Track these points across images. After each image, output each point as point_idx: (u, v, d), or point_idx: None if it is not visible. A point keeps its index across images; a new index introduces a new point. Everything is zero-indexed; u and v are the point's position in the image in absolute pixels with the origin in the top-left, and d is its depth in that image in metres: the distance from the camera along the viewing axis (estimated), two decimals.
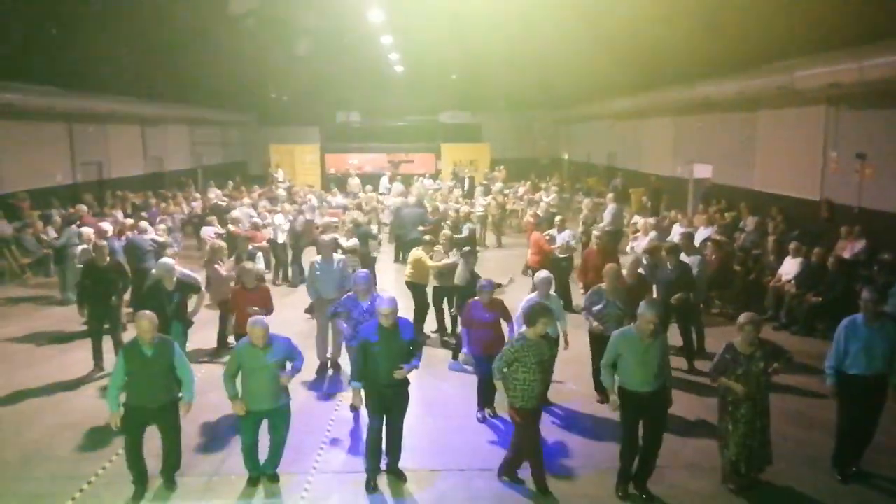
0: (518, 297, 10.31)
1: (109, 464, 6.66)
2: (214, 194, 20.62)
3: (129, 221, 14.09)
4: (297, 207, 17.13)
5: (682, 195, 19.73)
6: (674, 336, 8.57)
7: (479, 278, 8.68)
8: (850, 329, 6.27)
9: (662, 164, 21.59)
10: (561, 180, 27.22)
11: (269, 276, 13.41)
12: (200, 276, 9.89)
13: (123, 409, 5.91)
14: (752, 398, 5.89)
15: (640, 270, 9.28)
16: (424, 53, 22.08)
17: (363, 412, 6.68)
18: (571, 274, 11.97)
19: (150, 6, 13.38)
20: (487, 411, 7.72)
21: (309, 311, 10.69)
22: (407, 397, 6.35)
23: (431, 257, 10.48)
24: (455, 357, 9.05)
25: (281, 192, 21.29)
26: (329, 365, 9.17)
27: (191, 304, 8.52)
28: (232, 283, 9.96)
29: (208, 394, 8.08)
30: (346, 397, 8.20)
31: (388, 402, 6.22)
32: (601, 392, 7.73)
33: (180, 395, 6.14)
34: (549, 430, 7.29)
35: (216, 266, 9.94)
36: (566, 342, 7.65)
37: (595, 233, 10.82)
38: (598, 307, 7.68)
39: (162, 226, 12.88)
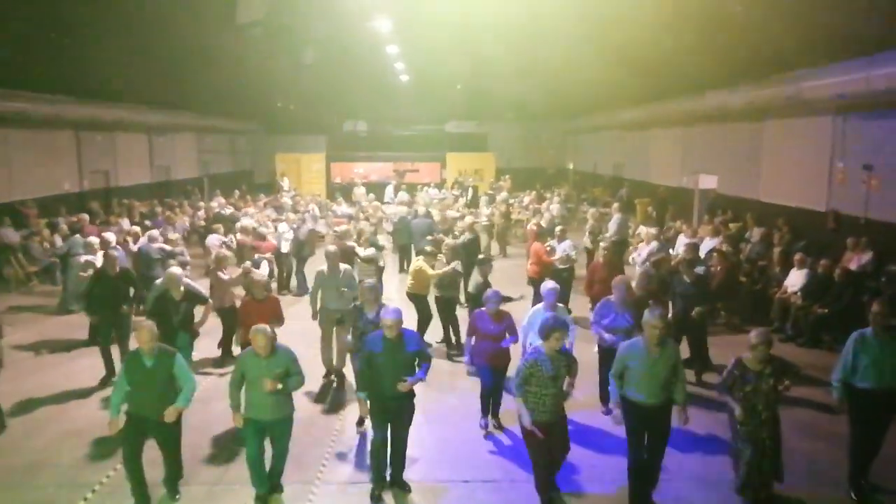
0: (524, 307, 10.37)
1: (114, 472, 6.66)
2: (217, 203, 20.69)
3: (136, 229, 14.15)
4: (301, 216, 17.16)
5: (687, 206, 19.70)
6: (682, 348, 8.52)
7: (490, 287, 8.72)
8: (860, 343, 6.15)
9: (668, 175, 21.57)
10: (568, 190, 27.22)
11: (273, 286, 13.41)
12: (204, 285, 9.91)
13: (125, 417, 5.90)
14: (760, 415, 5.77)
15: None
16: (431, 63, 22.11)
17: (368, 423, 6.65)
18: (572, 284, 11.95)
19: (158, 16, 13.44)
20: (492, 421, 7.68)
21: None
22: (412, 410, 6.29)
23: (433, 267, 10.47)
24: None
25: (286, 200, 21.37)
26: (333, 375, 9.14)
27: (197, 314, 8.47)
28: (234, 291, 9.98)
29: (212, 403, 8.10)
30: (350, 408, 8.20)
31: (393, 415, 6.16)
32: (607, 403, 7.67)
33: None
34: None
35: (219, 274, 9.95)
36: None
37: (602, 244, 10.73)
38: (607, 320, 7.57)
39: (174, 235, 12.94)
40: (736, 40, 12.58)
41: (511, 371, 7.79)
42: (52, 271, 14.65)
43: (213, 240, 13.04)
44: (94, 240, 11.70)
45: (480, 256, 10.15)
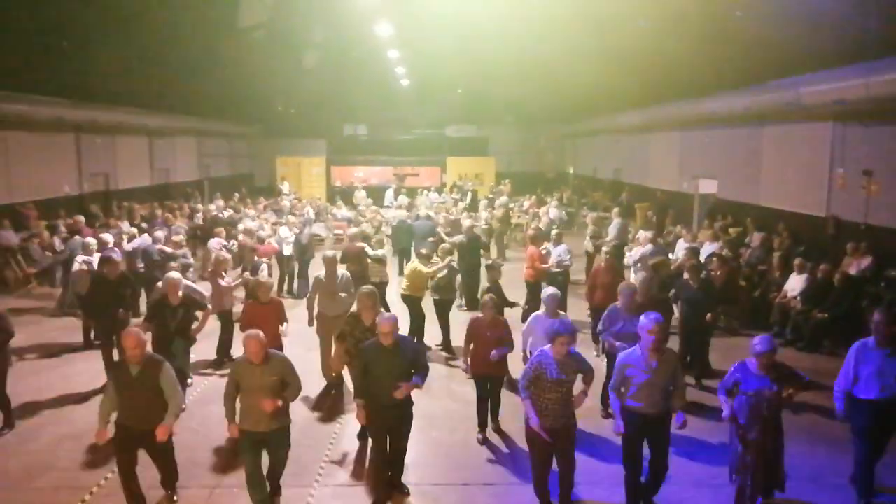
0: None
1: (112, 475, 6.62)
2: (215, 206, 20.69)
3: (133, 230, 14.14)
4: (302, 220, 17.16)
5: (687, 210, 19.71)
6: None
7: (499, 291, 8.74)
8: (861, 352, 5.99)
9: (668, 179, 21.59)
10: (570, 195, 27.24)
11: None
12: (206, 287, 9.91)
13: (114, 427, 5.74)
14: (762, 421, 5.61)
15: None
16: (431, 67, 22.18)
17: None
18: (567, 289, 11.92)
19: (159, 19, 13.48)
20: (491, 425, 7.63)
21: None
22: (410, 418, 6.18)
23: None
24: None
25: (286, 203, 21.36)
26: (333, 381, 9.00)
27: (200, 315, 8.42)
28: (234, 294, 9.95)
29: (210, 405, 8.07)
30: (349, 410, 8.17)
31: (390, 423, 6.07)
32: (608, 408, 7.57)
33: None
34: None
35: (217, 279, 9.93)
36: None
37: (604, 249, 10.68)
38: (616, 327, 7.39)
39: (178, 237, 12.96)
40: (735, 45, 12.62)
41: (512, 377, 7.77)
42: (52, 273, 14.63)
43: (213, 243, 13.03)
44: (92, 241, 11.68)
45: (490, 261, 10.08)
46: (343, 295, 8.80)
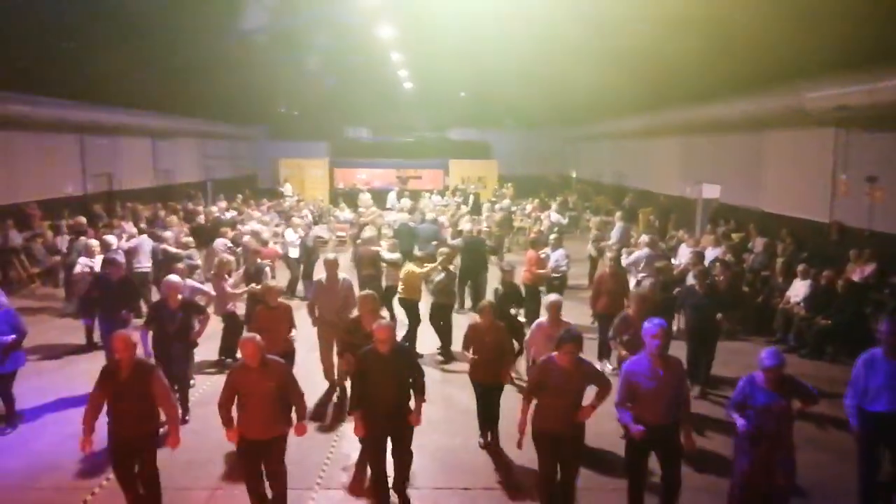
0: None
1: (113, 475, 6.63)
2: (217, 208, 20.70)
3: (134, 231, 14.18)
4: (307, 222, 17.17)
5: (690, 215, 19.70)
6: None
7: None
8: (869, 364, 5.81)
9: (671, 184, 21.58)
10: (576, 199, 27.22)
11: None
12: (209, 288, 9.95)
13: (108, 435, 5.64)
14: (772, 436, 5.43)
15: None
16: (434, 70, 22.18)
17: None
18: (563, 293, 11.91)
19: (163, 21, 13.49)
20: (490, 439, 7.41)
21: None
22: (411, 428, 6.01)
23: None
24: None
25: (288, 205, 21.39)
26: (335, 388, 8.90)
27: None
28: (237, 293, 9.95)
29: (212, 406, 7.97)
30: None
31: (389, 433, 5.91)
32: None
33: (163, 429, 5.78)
34: None
35: (220, 281, 9.94)
36: None
37: (609, 255, 10.54)
38: (627, 335, 7.29)
39: (187, 237, 12.99)
40: (738, 50, 12.61)
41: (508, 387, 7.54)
42: (55, 273, 14.65)
43: (218, 244, 13.06)
44: (94, 242, 11.69)
45: (506, 266, 9.92)
46: (345, 298, 8.66)
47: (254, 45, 16.16)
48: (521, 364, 8.86)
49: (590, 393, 5.76)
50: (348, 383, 8.16)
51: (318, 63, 19.59)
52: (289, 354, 7.56)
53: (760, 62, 12.88)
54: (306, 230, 15.26)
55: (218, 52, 16.55)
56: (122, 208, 19.73)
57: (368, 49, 18.14)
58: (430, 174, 32.02)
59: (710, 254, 12.84)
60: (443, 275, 10.56)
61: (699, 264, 10.36)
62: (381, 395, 5.79)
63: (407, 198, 23.34)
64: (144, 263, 12.44)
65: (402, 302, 10.50)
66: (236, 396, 5.63)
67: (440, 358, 10.32)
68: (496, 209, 20.19)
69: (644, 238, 13.16)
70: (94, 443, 5.61)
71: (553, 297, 7.68)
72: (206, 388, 8.97)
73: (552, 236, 13.01)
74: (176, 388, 7.66)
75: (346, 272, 9.47)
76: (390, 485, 6.15)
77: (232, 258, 10.78)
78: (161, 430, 5.96)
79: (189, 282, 9.59)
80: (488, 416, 7.36)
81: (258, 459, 5.71)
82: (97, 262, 10.86)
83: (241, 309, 10.17)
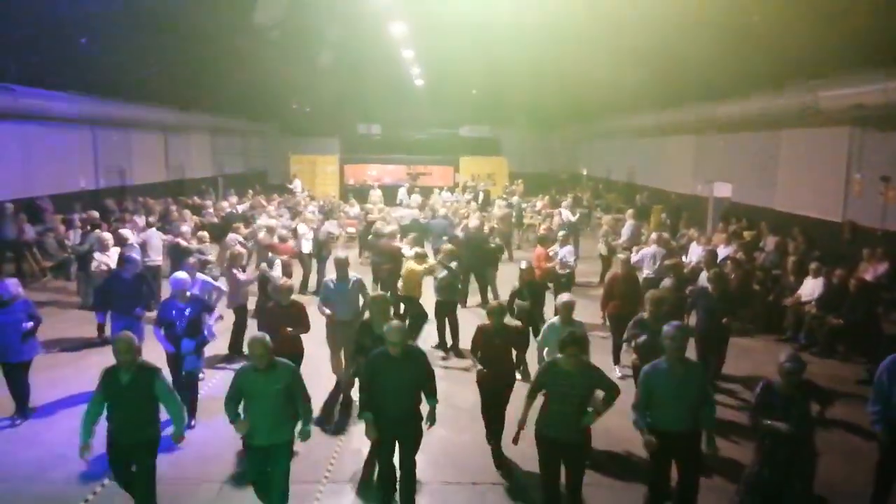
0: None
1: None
2: (228, 203, 20.75)
3: (144, 225, 14.26)
4: (321, 217, 17.20)
5: (701, 213, 19.62)
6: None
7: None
8: (892, 370, 5.68)
9: (682, 182, 21.49)
10: (589, 196, 27.14)
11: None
12: (222, 283, 10.00)
13: (108, 440, 5.48)
14: (793, 441, 5.29)
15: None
16: (446, 67, 22.18)
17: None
18: (571, 290, 11.84)
19: (177, 17, 13.55)
20: (494, 462, 7.07)
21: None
22: (420, 433, 5.84)
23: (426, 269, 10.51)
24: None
25: (298, 199, 21.45)
26: (342, 390, 8.70)
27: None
28: (248, 290, 9.99)
29: (221, 400, 8.04)
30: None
31: (398, 437, 5.74)
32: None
33: (170, 430, 5.59)
34: None
35: (234, 272, 10.00)
36: None
37: (621, 256, 10.29)
38: (642, 338, 7.15)
39: (202, 232, 13.04)
40: (752, 49, 12.54)
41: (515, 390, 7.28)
42: (67, 267, 14.75)
43: (231, 239, 13.11)
44: (107, 235, 11.74)
45: (522, 265, 9.74)
46: (358, 297, 8.54)
47: (266, 41, 16.20)
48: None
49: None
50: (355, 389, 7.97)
51: (330, 59, 19.61)
52: (297, 355, 7.42)
53: (775, 61, 12.80)
54: (318, 224, 15.30)
55: (231, 47, 16.61)
56: (133, 203, 19.83)
57: (381, 46, 18.15)
58: (441, 171, 32.00)
59: (722, 252, 12.79)
60: (445, 272, 10.49)
61: (713, 264, 10.27)
62: (392, 399, 5.63)
63: (417, 194, 23.38)
64: (154, 257, 12.52)
65: (402, 299, 10.45)
66: (242, 399, 5.52)
67: (442, 354, 10.26)
68: (497, 205, 20.12)
69: (653, 236, 13.10)
70: (103, 434, 5.53)
71: (566, 296, 7.52)
72: (216, 382, 9.01)
73: (560, 233, 12.98)
74: (186, 387, 7.69)
75: (355, 268, 9.35)
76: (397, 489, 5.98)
77: (244, 251, 10.81)
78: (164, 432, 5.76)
79: (200, 277, 9.63)
80: (496, 421, 7.07)
81: (264, 466, 5.57)
82: (112, 256, 10.92)
83: (252, 302, 10.22)
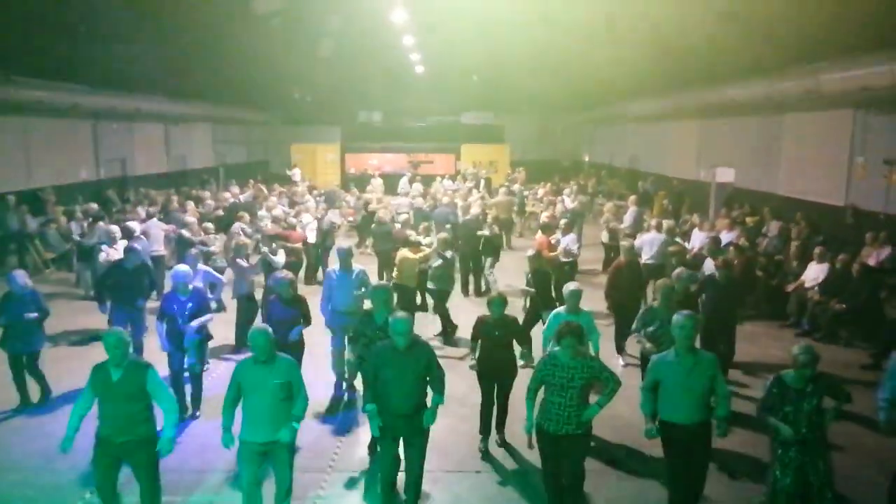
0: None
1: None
2: (230, 193, 20.73)
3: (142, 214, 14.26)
4: (324, 208, 17.15)
5: (704, 199, 19.56)
6: None
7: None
8: None
9: (685, 168, 21.43)
10: (594, 182, 27.06)
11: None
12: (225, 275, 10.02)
13: (94, 439, 5.29)
14: (803, 440, 5.13)
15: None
16: (446, 54, 22.07)
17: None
18: (574, 278, 11.81)
19: (176, 6, 13.49)
20: (496, 438, 7.10)
21: None
22: (426, 430, 5.63)
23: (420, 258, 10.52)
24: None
25: (299, 189, 21.43)
26: (345, 387, 8.56)
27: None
28: (254, 279, 9.99)
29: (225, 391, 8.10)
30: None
31: (402, 434, 5.56)
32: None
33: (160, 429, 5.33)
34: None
35: (239, 261, 10.01)
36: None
37: (624, 244, 10.19)
38: (651, 328, 6.97)
39: (207, 223, 13.06)
40: (754, 32, 12.45)
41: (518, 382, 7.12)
42: (69, 259, 14.77)
43: (236, 229, 13.12)
44: (115, 228, 11.75)
45: (529, 253, 9.74)
46: (362, 289, 8.43)
47: (266, 29, 16.13)
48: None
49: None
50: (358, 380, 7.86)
51: (330, 47, 19.52)
52: (299, 349, 7.37)
53: (776, 44, 12.71)
54: (322, 214, 15.29)
55: (231, 36, 16.54)
56: (135, 194, 19.82)
57: (381, 32, 18.06)
58: (442, 159, 31.94)
59: (725, 238, 12.77)
60: (440, 261, 10.46)
61: (716, 251, 10.24)
62: (396, 394, 5.43)
63: (418, 183, 23.35)
64: (155, 247, 12.53)
65: (396, 288, 10.42)
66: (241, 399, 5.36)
67: (437, 343, 10.16)
68: (500, 193, 20.11)
69: (653, 222, 13.06)
70: (80, 443, 5.37)
71: (572, 285, 7.46)
72: (221, 372, 9.03)
73: (562, 221, 12.95)
74: (190, 380, 7.73)
75: (354, 257, 9.26)
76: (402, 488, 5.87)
77: (248, 240, 10.82)
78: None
79: (202, 268, 9.63)
80: (498, 413, 7.00)
81: (259, 465, 5.38)
82: (120, 249, 10.92)
83: (258, 292, 10.23)
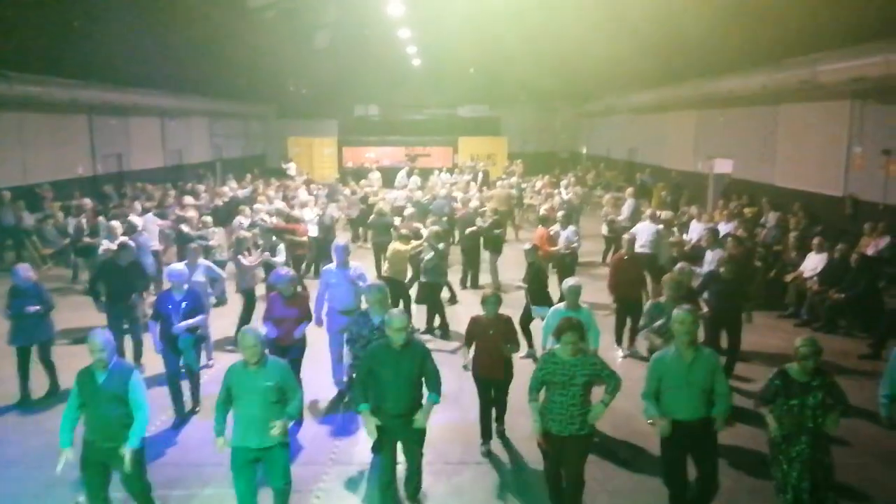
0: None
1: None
2: (229, 187, 20.67)
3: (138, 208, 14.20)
4: (325, 202, 17.11)
5: (702, 191, 19.56)
6: None
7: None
8: None
9: (683, 159, 21.42)
10: (594, 175, 27.04)
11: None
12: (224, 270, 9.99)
13: (83, 445, 5.18)
14: (810, 433, 5.03)
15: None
16: (443, 46, 22.04)
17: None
18: (575, 270, 11.79)
19: (172, 0, 13.46)
20: (496, 427, 7.03)
21: None
22: (423, 430, 5.54)
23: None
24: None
25: (295, 183, 21.38)
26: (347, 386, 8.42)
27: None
28: (255, 273, 9.97)
29: None
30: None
31: (399, 434, 5.48)
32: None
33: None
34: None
35: (240, 256, 10.00)
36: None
37: (626, 237, 10.17)
38: (659, 322, 6.83)
39: (207, 217, 13.04)
40: (752, 22, 12.45)
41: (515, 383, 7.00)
42: (67, 254, 14.73)
43: (236, 223, 13.10)
44: (117, 224, 11.70)
45: (527, 247, 9.61)
46: (360, 284, 8.25)
47: (262, 22, 16.09)
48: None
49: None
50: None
51: (326, 40, 19.48)
52: (301, 347, 7.35)
53: (774, 35, 12.70)
54: (323, 208, 15.23)
55: (227, 30, 16.50)
56: (132, 189, 19.77)
57: (377, 25, 18.03)
58: (440, 152, 31.88)
59: (723, 229, 12.76)
60: (432, 253, 10.39)
61: (715, 242, 10.24)
62: (392, 394, 5.35)
63: (416, 176, 23.28)
64: (151, 242, 12.48)
65: (388, 281, 10.36)
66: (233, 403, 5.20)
67: (428, 337, 10.09)
68: (497, 186, 20.08)
69: (647, 212, 13.04)
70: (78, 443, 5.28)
71: (572, 281, 7.38)
72: (223, 366, 8.99)
73: (560, 214, 12.92)
74: (188, 378, 7.70)
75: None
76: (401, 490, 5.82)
77: (249, 235, 10.79)
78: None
79: (203, 262, 9.60)
80: (497, 411, 6.94)
81: (254, 473, 5.19)
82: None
83: (261, 287, 10.22)
